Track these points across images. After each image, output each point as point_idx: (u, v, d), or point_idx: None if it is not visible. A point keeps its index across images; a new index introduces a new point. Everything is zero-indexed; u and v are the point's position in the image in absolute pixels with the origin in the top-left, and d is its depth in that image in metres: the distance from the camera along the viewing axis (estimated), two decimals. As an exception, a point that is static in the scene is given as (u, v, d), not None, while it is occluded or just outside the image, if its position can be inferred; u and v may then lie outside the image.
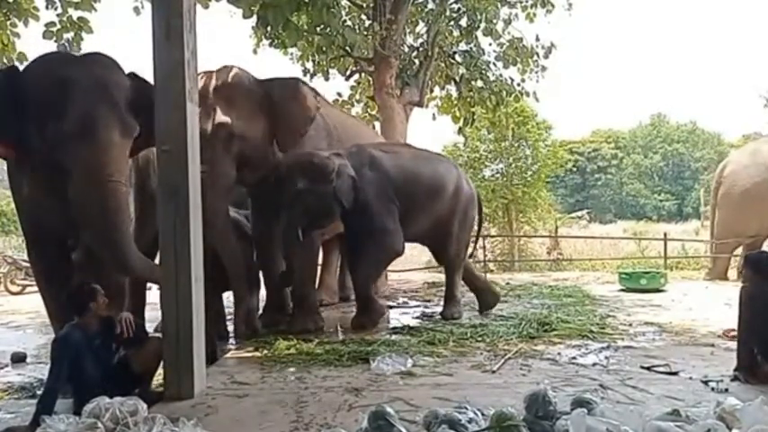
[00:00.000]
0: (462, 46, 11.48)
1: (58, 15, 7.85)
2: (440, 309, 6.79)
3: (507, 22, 11.32)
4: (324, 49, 9.92)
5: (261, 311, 6.38)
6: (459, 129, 11.99)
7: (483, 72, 11.24)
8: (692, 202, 33.66)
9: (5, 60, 7.67)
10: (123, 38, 18.32)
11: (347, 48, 9.86)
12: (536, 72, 11.55)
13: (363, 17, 10.85)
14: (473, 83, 11.24)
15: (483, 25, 10.82)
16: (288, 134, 5.89)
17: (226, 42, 16.62)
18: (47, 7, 7.87)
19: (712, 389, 3.77)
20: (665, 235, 13.25)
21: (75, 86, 4.05)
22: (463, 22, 11.12)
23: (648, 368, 4.35)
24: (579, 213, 23.67)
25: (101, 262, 4.33)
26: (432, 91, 11.52)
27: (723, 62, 65.43)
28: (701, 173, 35.30)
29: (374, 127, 10.32)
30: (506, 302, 7.45)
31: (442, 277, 7.82)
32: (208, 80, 5.55)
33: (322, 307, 6.82)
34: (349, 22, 10.74)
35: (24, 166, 4.31)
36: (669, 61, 66.34)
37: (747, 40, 67.30)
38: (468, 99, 11.33)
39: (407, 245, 6.46)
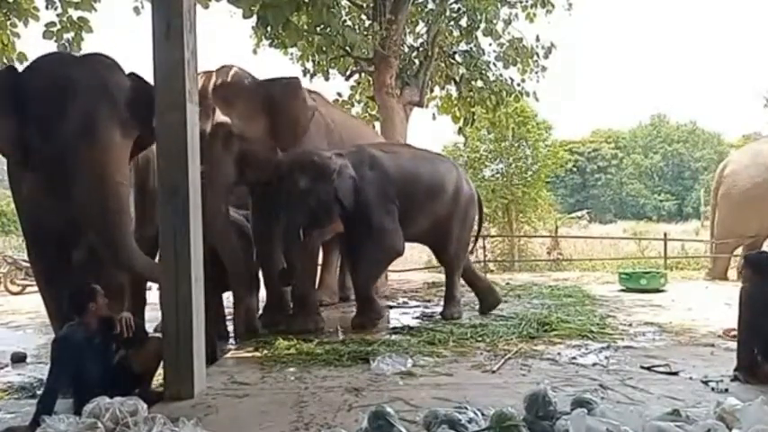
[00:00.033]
0: (462, 46, 11.46)
1: (58, 15, 7.85)
2: (440, 309, 6.79)
3: (507, 22, 11.31)
4: (324, 49, 9.91)
5: (261, 311, 6.38)
6: (460, 129, 11.98)
7: (483, 72, 11.22)
8: (692, 202, 33.70)
9: (5, 60, 7.66)
10: (123, 38, 18.34)
11: (347, 48, 9.84)
12: (536, 72, 11.53)
13: (363, 17, 10.84)
14: (473, 83, 11.23)
15: (483, 25, 10.80)
16: (288, 134, 5.89)
17: (226, 42, 16.61)
18: (47, 7, 7.87)
19: (712, 389, 3.77)
20: (665, 235, 13.25)
21: (76, 87, 4.05)
22: (463, 22, 11.10)
23: (648, 368, 4.34)
24: (579, 213, 23.65)
25: (101, 262, 4.34)
26: (432, 91, 11.50)
27: (723, 62, 65.61)
28: (701, 173, 35.39)
29: (374, 127, 10.31)
30: (506, 302, 7.44)
31: (442, 277, 7.83)
32: (207, 80, 5.55)
33: (322, 307, 6.81)
34: (349, 22, 10.74)
35: (24, 166, 4.31)
36: (669, 61, 66.48)
37: (747, 40, 67.43)
38: (468, 99, 11.32)
39: (407, 245, 6.46)
